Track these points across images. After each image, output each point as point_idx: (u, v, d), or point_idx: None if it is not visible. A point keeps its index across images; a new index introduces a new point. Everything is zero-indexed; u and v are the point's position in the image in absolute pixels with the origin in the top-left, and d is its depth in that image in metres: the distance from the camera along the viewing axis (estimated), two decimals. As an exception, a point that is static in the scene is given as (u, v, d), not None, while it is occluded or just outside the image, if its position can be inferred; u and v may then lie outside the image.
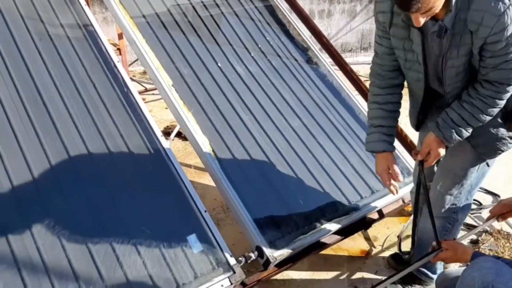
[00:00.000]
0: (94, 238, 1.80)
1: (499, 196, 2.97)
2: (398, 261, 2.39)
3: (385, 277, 2.32)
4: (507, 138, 1.85)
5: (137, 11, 2.61)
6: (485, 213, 2.86)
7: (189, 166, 3.28)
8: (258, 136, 2.38)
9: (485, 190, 3.04)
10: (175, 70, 2.45)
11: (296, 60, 2.87)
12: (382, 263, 2.47)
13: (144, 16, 2.62)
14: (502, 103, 1.72)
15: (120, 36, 4.07)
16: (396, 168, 1.96)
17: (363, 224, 2.36)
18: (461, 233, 2.23)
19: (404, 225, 2.67)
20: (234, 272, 1.88)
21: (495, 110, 1.74)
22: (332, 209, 2.24)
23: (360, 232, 2.59)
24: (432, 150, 1.86)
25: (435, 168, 2.11)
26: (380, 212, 2.41)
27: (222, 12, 2.90)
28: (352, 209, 2.27)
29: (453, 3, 1.55)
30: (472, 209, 2.87)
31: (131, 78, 3.89)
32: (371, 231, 2.67)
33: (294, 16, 3.15)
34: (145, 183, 2.01)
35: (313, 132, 2.52)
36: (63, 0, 2.47)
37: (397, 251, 2.49)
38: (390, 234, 2.66)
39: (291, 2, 3.18)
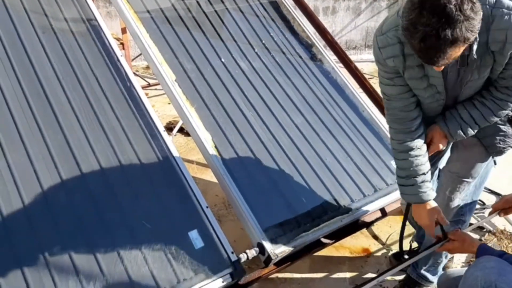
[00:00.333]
0: (94, 233, 1.80)
1: (502, 196, 2.95)
2: (400, 260, 2.38)
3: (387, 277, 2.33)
4: None
5: (141, 6, 2.60)
6: (488, 213, 2.84)
7: (191, 161, 3.28)
8: (261, 132, 2.37)
9: (489, 190, 3.02)
10: (178, 65, 2.44)
11: (300, 56, 2.85)
12: (384, 261, 2.46)
13: (148, 11, 2.61)
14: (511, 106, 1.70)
15: (124, 31, 4.06)
16: (441, 214, 1.84)
17: (366, 222, 2.35)
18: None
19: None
20: (235, 269, 1.87)
21: (505, 112, 1.73)
22: (334, 207, 2.23)
23: (362, 231, 2.58)
24: (434, 141, 1.83)
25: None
26: (382, 210, 2.40)
27: (226, 8, 2.89)
28: (354, 207, 2.26)
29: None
30: (476, 209, 2.85)
31: (134, 72, 3.88)
32: (373, 230, 2.66)
33: (299, 12, 3.13)
34: (146, 178, 2.01)
35: (316, 129, 2.51)
36: (67, -6, 2.46)
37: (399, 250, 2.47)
38: (392, 233, 2.65)
39: (296, -1, 3.17)
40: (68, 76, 2.16)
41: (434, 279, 2.17)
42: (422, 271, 2.17)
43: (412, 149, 1.78)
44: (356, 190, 2.34)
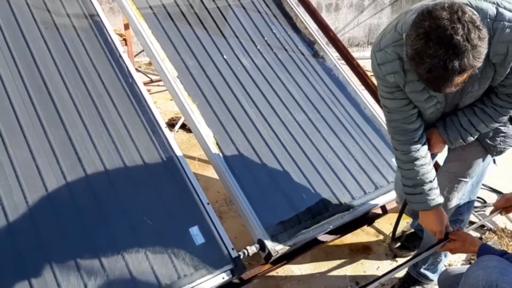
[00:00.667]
0: (96, 228, 1.80)
1: (503, 194, 2.94)
2: (398, 246, 2.42)
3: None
4: None
5: (144, 2, 2.60)
6: (489, 211, 2.84)
7: (193, 158, 3.28)
8: (263, 129, 2.37)
9: (490, 188, 3.02)
10: (180, 61, 2.44)
11: (302, 53, 2.85)
12: (384, 259, 2.46)
13: (150, 7, 2.61)
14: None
15: (127, 27, 4.07)
16: (448, 221, 1.88)
17: (366, 219, 2.35)
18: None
19: (408, 221, 2.66)
20: (236, 265, 1.87)
21: (505, 118, 1.73)
22: (335, 204, 2.24)
23: (362, 228, 2.58)
24: (431, 144, 1.83)
25: None
26: (383, 208, 2.40)
27: (229, 4, 2.89)
28: (355, 204, 2.26)
29: None
30: (477, 207, 2.85)
31: (136, 69, 3.88)
32: (374, 227, 2.67)
33: (302, 9, 3.12)
34: (148, 175, 2.01)
35: (318, 127, 2.51)
36: (70, -11, 2.46)
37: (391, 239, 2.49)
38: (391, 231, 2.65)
39: (299, -5, 3.16)
40: (70, 72, 2.17)
41: (434, 277, 2.18)
42: (422, 270, 2.17)
43: (417, 158, 1.77)
44: (357, 187, 2.34)
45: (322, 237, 2.18)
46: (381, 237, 2.63)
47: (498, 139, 1.83)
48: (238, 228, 2.49)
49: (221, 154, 2.19)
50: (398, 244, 2.49)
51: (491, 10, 1.42)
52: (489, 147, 1.86)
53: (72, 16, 2.38)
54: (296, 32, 2.95)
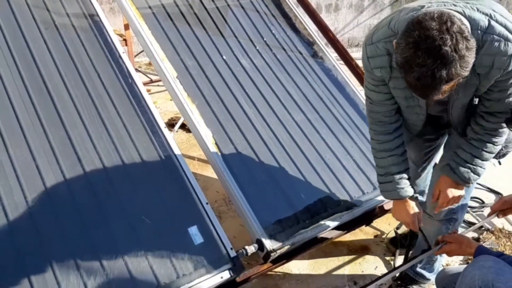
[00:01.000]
0: (95, 227, 1.81)
1: (501, 195, 2.96)
2: (397, 245, 2.44)
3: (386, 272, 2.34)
4: None
5: (143, 2, 2.61)
6: (487, 211, 2.85)
7: (192, 158, 3.30)
8: (261, 129, 2.39)
9: (488, 188, 3.03)
10: (180, 62, 2.45)
11: (301, 54, 2.86)
12: (383, 258, 2.48)
13: (150, 7, 2.62)
14: (507, 130, 1.70)
15: (126, 27, 4.08)
16: (421, 214, 1.91)
17: (365, 219, 2.36)
18: (460, 230, 2.24)
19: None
20: (235, 265, 1.88)
21: (504, 138, 1.72)
22: (334, 204, 2.25)
23: (361, 228, 2.59)
24: (442, 190, 1.82)
25: (420, 173, 2.10)
26: (381, 208, 2.41)
27: (228, 5, 2.90)
28: (353, 204, 2.27)
29: None
30: (474, 207, 2.87)
31: (136, 69, 3.89)
32: (372, 227, 2.68)
33: (301, 10, 3.13)
34: (147, 174, 2.02)
35: (316, 127, 2.52)
36: (70, -10, 2.47)
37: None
38: (391, 230, 2.66)
39: (298, -4, 3.17)
40: (70, 72, 2.18)
41: (431, 276, 2.19)
42: (418, 269, 2.18)
43: (390, 149, 1.84)
44: (355, 187, 2.35)
45: (321, 237, 2.19)
46: (379, 236, 2.64)
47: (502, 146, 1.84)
48: (237, 228, 2.50)
49: (220, 154, 2.20)
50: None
51: (483, 22, 1.43)
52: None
53: (72, 16, 2.39)
54: (295, 32, 2.96)
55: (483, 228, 2.68)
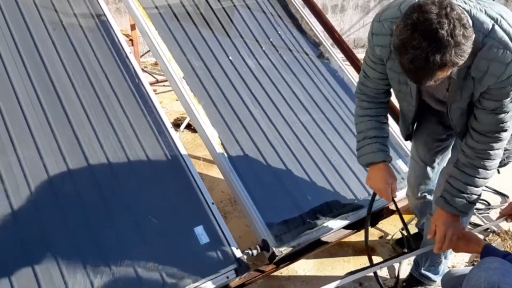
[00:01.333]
0: (102, 227, 1.83)
1: (507, 197, 2.95)
2: (403, 246, 2.40)
3: (391, 275, 2.34)
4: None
5: (150, 2, 2.63)
6: (493, 213, 2.84)
7: (198, 158, 3.30)
8: (267, 130, 2.39)
9: (494, 190, 3.02)
10: (186, 62, 2.46)
11: (307, 55, 2.86)
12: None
13: (156, 7, 2.63)
14: (500, 153, 1.66)
15: (133, 27, 4.09)
16: (396, 183, 1.88)
17: (371, 220, 2.35)
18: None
19: (409, 221, 2.68)
20: (240, 265, 1.89)
21: (497, 162, 1.67)
22: (340, 205, 2.25)
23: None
24: (437, 225, 1.78)
25: (429, 172, 2.09)
26: (387, 209, 2.41)
27: (234, 5, 2.91)
28: (359, 205, 2.27)
29: None
30: (480, 209, 2.86)
31: (142, 69, 3.90)
32: (378, 228, 2.67)
33: (307, 10, 3.14)
34: (154, 174, 2.03)
35: (322, 127, 2.52)
36: (77, -10, 2.49)
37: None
38: (396, 232, 2.66)
39: (304, -3, 3.17)
40: (78, 72, 2.19)
41: (437, 278, 2.18)
42: (423, 271, 2.18)
43: (371, 115, 1.85)
44: (361, 188, 2.35)
45: (326, 238, 2.19)
46: (385, 238, 2.64)
47: (503, 156, 1.80)
48: (242, 228, 2.51)
49: (226, 154, 2.21)
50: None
51: (487, 25, 1.42)
52: None
53: (80, 16, 2.41)
54: (301, 33, 2.96)
55: (489, 230, 2.67)
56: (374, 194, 2.01)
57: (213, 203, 2.02)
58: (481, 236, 2.62)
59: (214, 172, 3.06)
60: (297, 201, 2.20)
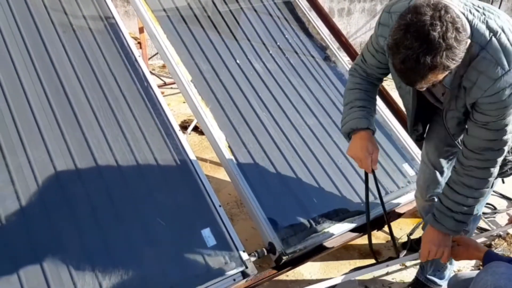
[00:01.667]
0: (110, 228, 1.84)
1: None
2: (409, 249, 2.41)
3: (397, 279, 2.34)
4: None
5: (158, 5, 2.65)
6: (499, 217, 2.84)
7: (204, 160, 3.32)
8: (274, 133, 2.40)
9: (500, 194, 3.02)
10: (194, 66, 2.48)
11: (314, 58, 2.88)
12: (394, 263, 2.47)
13: (164, 10, 2.65)
14: (492, 172, 1.63)
15: (141, 30, 4.12)
16: (378, 154, 1.81)
17: (376, 224, 2.37)
18: (474, 235, 2.23)
19: (416, 225, 2.68)
20: (247, 267, 1.90)
21: (489, 181, 1.65)
22: (346, 208, 2.26)
23: (372, 232, 2.59)
24: (424, 241, 1.78)
25: (438, 176, 2.09)
26: (393, 212, 2.42)
27: (241, 8, 2.92)
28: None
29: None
30: (486, 213, 2.86)
31: (150, 71, 3.93)
32: (384, 232, 2.67)
33: (314, 14, 3.15)
34: (161, 176, 2.05)
35: (329, 131, 2.53)
36: (87, -6, 2.52)
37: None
38: (402, 235, 2.66)
39: (311, 0, 3.19)
40: (87, 75, 2.21)
41: (442, 282, 2.18)
42: (429, 275, 2.18)
43: (360, 89, 1.84)
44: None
45: (332, 242, 2.20)
46: (390, 241, 2.64)
47: (505, 167, 1.80)
48: (249, 231, 2.52)
49: (233, 157, 2.22)
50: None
51: (485, 37, 1.42)
52: (499, 174, 1.85)
53: (89, 18, 2.43)
54: (308, 37, 2.98)
55: (495, 234, 2.67)
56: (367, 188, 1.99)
57: (220, 206, 2.04)
58: (487, 241, 2.62)
59: (221, 174, 3.07)
60: (304, 204, 2.20)
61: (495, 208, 2.91)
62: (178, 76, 2.38)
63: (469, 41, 1.37)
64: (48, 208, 1.81)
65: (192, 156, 2.15)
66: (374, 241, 2.62)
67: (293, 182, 2.26)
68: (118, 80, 2.25)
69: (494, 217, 2.85)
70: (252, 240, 2.41)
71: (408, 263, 2.46)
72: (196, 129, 3.74)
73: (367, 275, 2.39)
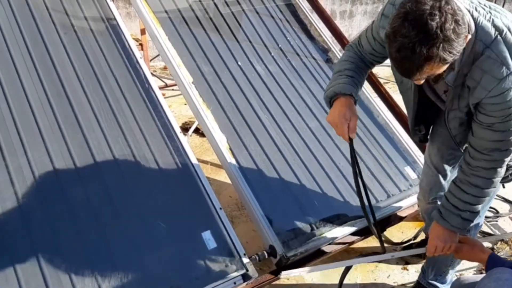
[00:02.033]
0: (110, 231, 1.83)
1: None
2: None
3: (398, 282, 2.33)
4: None
5: (160, 6, 2.64)
6: (502, 221, 2.83)
7: (205, 162, 3.31)
8: (275, 135, 2.39)
9: (503, 198, 3.00)
10: (196, 67, 2.47)
11: (316, 60, 2.87)
12: (395, 267, 2.46)
13: (166, 11, 2.64)
14: (499, 172, 1.62)
15: (143, 32, 4.11)
16: (356, 121, 1.73)
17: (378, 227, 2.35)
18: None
19: (418, 229, 2.66)
20: (247, 270, 1.89)
21: (495, 181, 1.64)
22: (347, 212, 2.24)
23: (373, 235, 2.58)
24: (431, 237, 1.77)
25: (441, 180, 2.08)
26: (395, 216, 2.40)
27: (243, 10, 2.92)
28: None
29: (457, 62, 1.44)
30: (489, 217, 2.84)
31: (152, 73, 3.92)
32: (385, 235, 2.66)
33: (316, 16, 3.14)
34: (162, 178, 2.04)
35: (330, 134, 2.52)
36: (88, -5, 2.51)
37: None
38: (404, 239, 2.64)
39: (313, 2, 3.18)
40: (88, 76, 2.21)
41: (444, 287, 2.17)
42: (431, 280, 2.17)
43: (352, 62, 1.80)
44: (369, 195, 2.34)
45: (334, 245, 2.18)
46: (392, 244, 2.63)
47: (507, 172, 1.77)
48: (249, 233, 2.51)
49: (234, 159, 2.21)
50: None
51: (490, 35, 1.40)
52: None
53: (90, 19, 2.43)
54: (310, 39, 2.97)
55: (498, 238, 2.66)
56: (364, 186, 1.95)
57: (221, 208, 2.03)
58: (489, 244, 2.60)
59: (222, 176, 3.06)
60: (305, 207, 2.19)
61: (498, 212, 2.90)
62: (179, 77, 2.37)
63: (469, 36, 1.35)
64: (48, 210, 1.80)
65: (193, 158, 2.14)
66: (375, 244, 2.62)
67: (294, 185, 2.25)
68: (119, 82, 2.24)
69: (496, 221, 2.83)
70: (253, 243, 2.40)
71: (409, 267, 2.45)
72: (197, 131, 3.73)
73: (369, 279, 2.38)
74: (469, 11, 1.40)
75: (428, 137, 2.04)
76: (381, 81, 3.06)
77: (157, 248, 1.85)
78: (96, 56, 2.29)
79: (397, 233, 2.70)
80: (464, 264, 2.35)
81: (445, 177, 2.06)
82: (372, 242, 2.62)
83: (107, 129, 2.08)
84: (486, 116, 1.51)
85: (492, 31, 1.41)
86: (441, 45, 1.27)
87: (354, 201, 2.29)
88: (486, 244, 2.57)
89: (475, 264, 2.44)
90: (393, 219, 2.40)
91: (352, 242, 2.27)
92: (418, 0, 1.30)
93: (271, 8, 3.02)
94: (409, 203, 2.42)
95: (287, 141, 2.40)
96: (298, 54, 2.84)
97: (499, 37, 1.40)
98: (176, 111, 4.14)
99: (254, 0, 2.97)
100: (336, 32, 3.08)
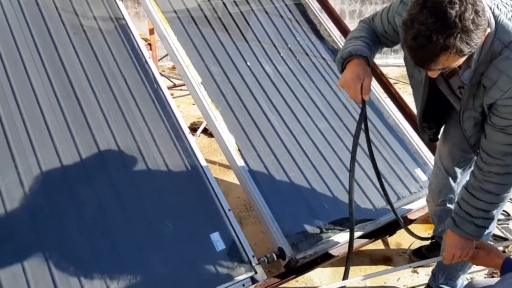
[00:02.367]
0: (118, 231, 1.83)
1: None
2: (420, 256, 2.38)
3: (408, 286, 2.31)
4: None
5: (169, 6, 2.63)
6: (513, 225, 2.79)
7: (214, 163, 3.30)
8: (284, 136, 2.38)
9: (515, 201, 2.96)
10: (204, 68, 2.46)
11: (325, 61, 2.84)
12: (405, 270, 2.43)
13: (175, 11, 2.64)
14: (510, 180, 1.58)
15: (151, 32, 4.11)
16: (370, 82, 1.66)
17: (388, 230, 2.33)
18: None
19: (429, 232, 2.63)
20: (256, 273, 1.88)
21: (509, 186, 1.60)
22: (357, 214, 2.21)
23: (384, 238, 2.56)
24: (448, 245, 1.74)
25: (451, 182, 2.04)
26: (405, 218, 2.38)
27: (252, 9, 2.90)
28: (377, 214, 2.24)
29: (474, 60, 1.41)
30: (500, 220, 2.80)
31: (160, 73, 3.93)
32: (395, 238, 2.63)
33: (325, 16, 3.12)
34: (171, 179, 2.03)
35: (340, 135, 2.50)
36: (97, -5, 2.51)
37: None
38: (414, 241, 2.62)
39: (322, 2, 3.16)
40: (97, 77, 2.21)
41: (455, 292, 2.14)
42: (441, 284, 2.14)
43: (367, 33, 1.75)
44: (379, 197, 2.32)
45: (343, 247, 2.16)
46: (402, 247, 2.60)
47: None
48: (258, 235, 2.49)
49: (242, 160, 2.20)
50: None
51: (510, 35, 1.37)
52: None
53: (99, 19, 2.42)
54: (319, 39, 2.95)
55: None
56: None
57: (229, 210, 2.02)
58: (500, 248, 2.57)
59: (230, 177, 3.05)
60: (314, 209, 2.17)
61: (509, 215, 2.86)
62: (188, 78, 2.36)
63: (488, 29, 1.32)
64: (57, 210, 1.80)
65: (201, 159, 2.13)
66: (385, 247, 2.59)
67: (303, 187, 2.23)
68: (128, 82, 2.24)
69: (507, 224, 2.79)
70: (261, 244, 2.38)
71: (419, 270, 2.42)
72: (205, 131, 3.73)
73: (378, 282, 2.36)
74: (490, 8, 1.37)
75: (439, 137, 2.00)
76: (391, 81, 3.04)
77: (165, 250, 1.84)
78: (105, 56, 2.29)
79: (406, 235, 2.65)
80: (475, 267, 2.32)
81: (455, 179, 2.03)
82: (382, 245, 2.60)
83: (116, 129, 2.07)
84: (499, 118, 1.48)
85: None
86: (459, 35, 1.23)
87: (364, 203, 2.27)
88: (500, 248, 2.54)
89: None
90: (403, 221, 2.37)
91: (362, 245, 2.25)
92: None
93: (280, 7, 3.00)
94: (419, 205, 2.39)
95: (296, 142, 2.38)
96: (307, 54, 2.82)
97: None
98: (184, 111, 4.14)
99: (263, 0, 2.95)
100: (346, 32, 3.05)
